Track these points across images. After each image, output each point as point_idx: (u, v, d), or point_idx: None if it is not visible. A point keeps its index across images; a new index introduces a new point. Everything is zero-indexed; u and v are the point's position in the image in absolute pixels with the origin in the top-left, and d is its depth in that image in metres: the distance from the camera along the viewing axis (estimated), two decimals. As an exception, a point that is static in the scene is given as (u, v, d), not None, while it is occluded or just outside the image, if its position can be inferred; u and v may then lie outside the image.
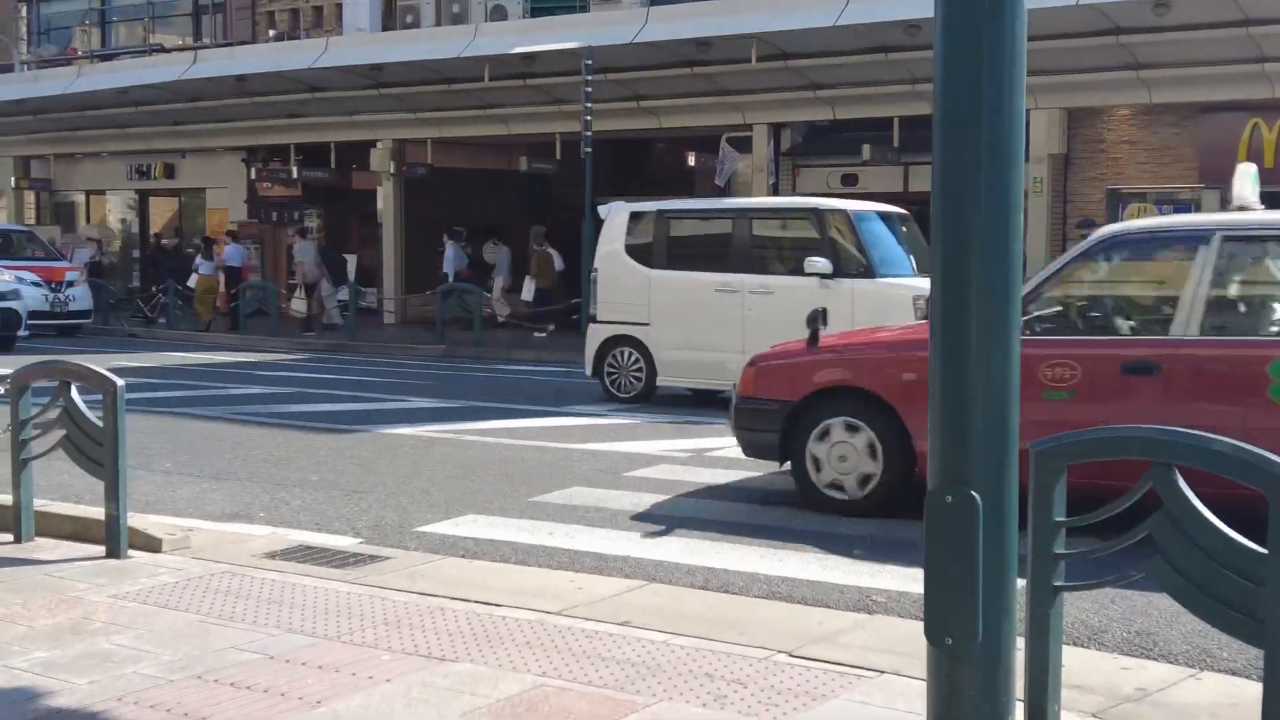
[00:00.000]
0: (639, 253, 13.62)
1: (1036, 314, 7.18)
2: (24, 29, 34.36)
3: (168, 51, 29.22)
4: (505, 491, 8.50)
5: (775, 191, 22.64)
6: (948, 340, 3.50)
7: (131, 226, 33.22)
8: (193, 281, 25.47)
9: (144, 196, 32.63)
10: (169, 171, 31.21)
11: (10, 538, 6.87)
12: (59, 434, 6.80)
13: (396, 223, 26.79)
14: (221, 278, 25.76)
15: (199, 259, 25.91)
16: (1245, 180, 7.57)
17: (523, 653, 4.94)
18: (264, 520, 7.73)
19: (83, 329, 23.63)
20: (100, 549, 6.58)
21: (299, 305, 23.97)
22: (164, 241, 30.37)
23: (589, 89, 20.13)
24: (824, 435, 7.62)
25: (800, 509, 7.83)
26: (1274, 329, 7.04)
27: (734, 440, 9.46)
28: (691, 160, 24.94)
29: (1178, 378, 6.81)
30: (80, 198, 33.81)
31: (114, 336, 23.82)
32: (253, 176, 28.65)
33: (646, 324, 13.43)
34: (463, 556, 6.77)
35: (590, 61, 20.14)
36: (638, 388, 13.48)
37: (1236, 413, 6.54)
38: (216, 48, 28.66)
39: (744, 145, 22.68)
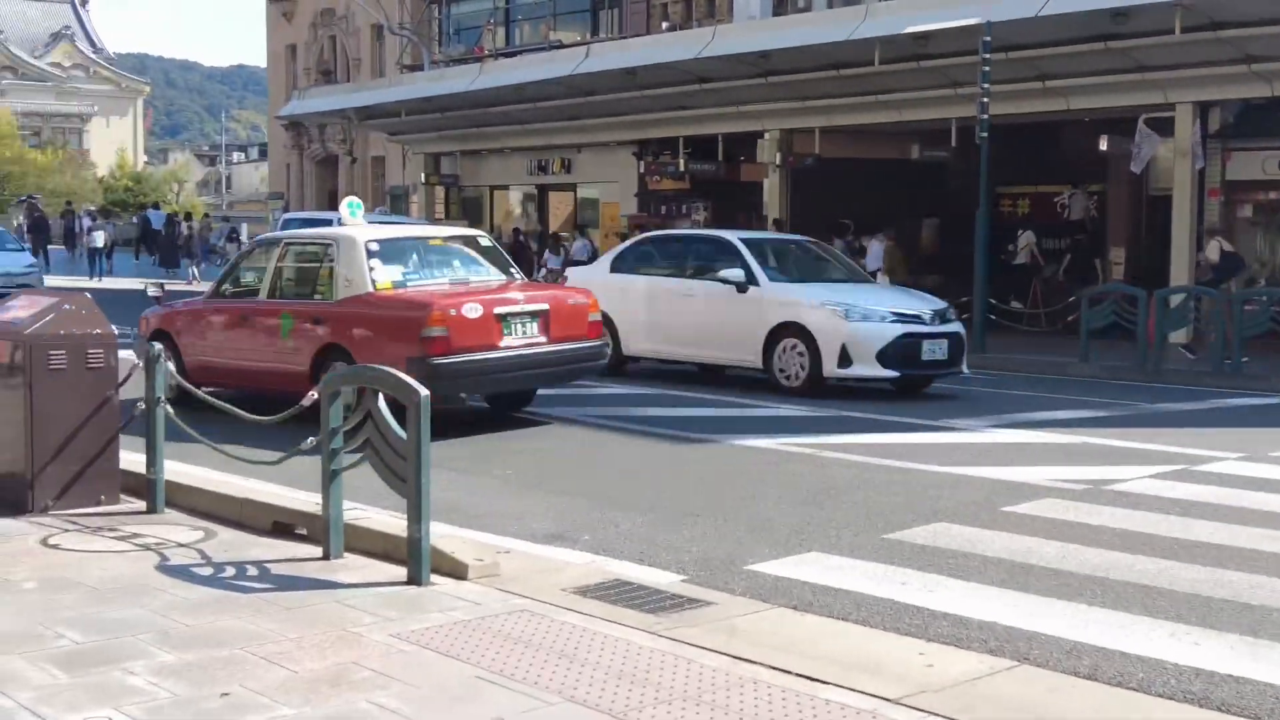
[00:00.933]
0: None
1: (229, 286, 12.31)
2: (436, 30, 36.03)
3: (565, 47, 29.67)
4: (858, 524, 7.40)
5: (1200, 180, 20.20)
6: None
7: (533, 222, 34.10)
8: (540, 275, 26.19)
9: (543, 191, 33.42)
10: (566, 166, 31.78)
11: (320, 553, 6.46)
12: (368, 445, 6.30)
13: (782, 215, 25.99)
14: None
15: (547, 253, 26.70)
16: (345, 208, 12.19)
17: (839, 763, 3.89)
18: (586, 544, 7.01)
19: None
20: (405, 572, 6.03)
21: None
22: (522, 234, 30.71)
23: (986, 68, 18.52)
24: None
25: (1229, 570, 6.32)
26: (289, 296, 11.55)
27: (1143, 471, 9.14)
28: (1104, 145, 22.68)
29: (258, 323, 11.53)
30: (486, 193, 35.06)
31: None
32: (641, 170, 28.64)
33: None
34: (794, 608, 5.75)
35: (989, 39, 18.54)
36: None
37: (270, 345, 11.31)
38: (608, 41, 28.85)
39: (1165, 127, 20.33)
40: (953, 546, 6.85)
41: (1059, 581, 6.18)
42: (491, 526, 7.38)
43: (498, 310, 10.50)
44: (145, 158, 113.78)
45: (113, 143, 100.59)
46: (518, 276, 11.86)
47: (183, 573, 6.14)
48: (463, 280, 11.28)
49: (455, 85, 28.85)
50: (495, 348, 10.40)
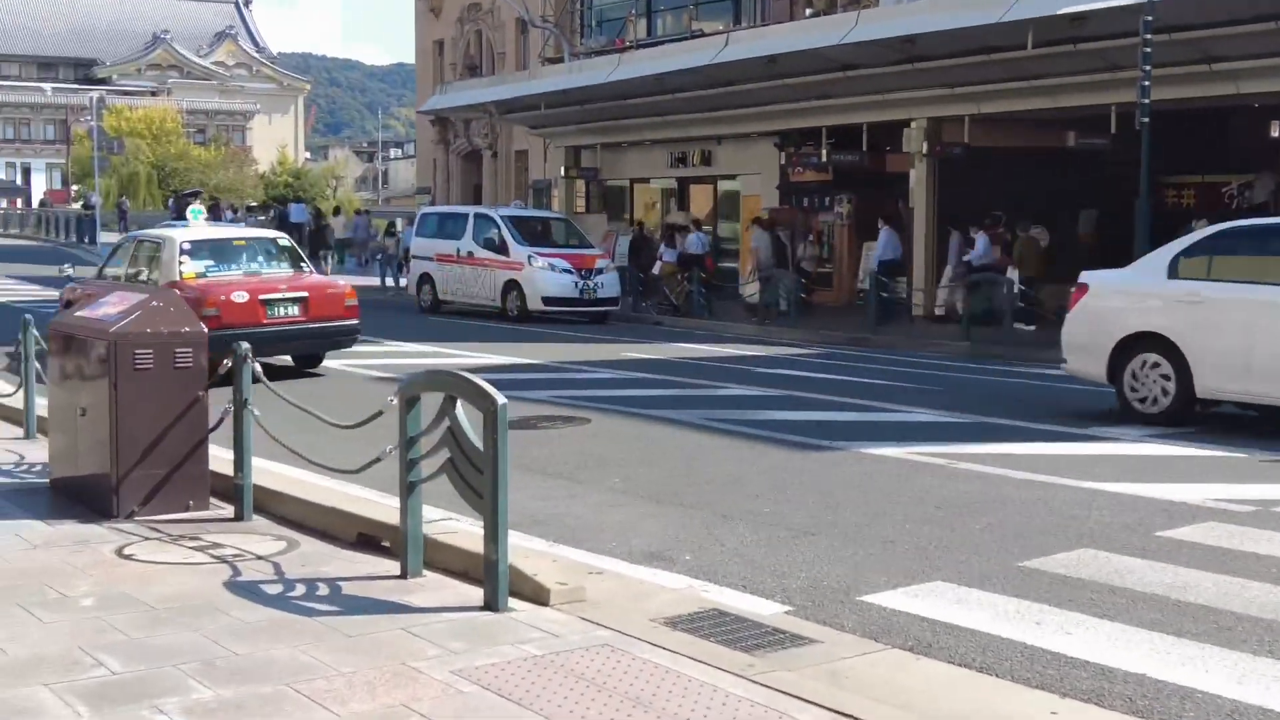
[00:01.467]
0: None
1: (107, 269, 15.47)
2: (578, 22, 35.73)
3: (704, 36, 29.04)
4: (990, 548, 6.67)
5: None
6: None
7: (676, 213, 33.53)
8: (656, 269, 25.86)
9: (683, 184, 32.86)
10: (706, 158, 31.16)
11: (399, 569, 6.01)
12: (445, 456, 5.82)
13: (928, 208, 24.96)
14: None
15: (663, 246, 26.35)
16: (190, 213, 19.50)
17: None
18: (686, 565, 6.43)
19: (610, 316, 23.80)
20: (483, 595, 5.54)
21: (751, 290, 23.82)
22: (646, 229, 29.92)
23: (1148, 50, 17.36)
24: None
25: None
26: (135, 280, 14.01)
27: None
28: (1276, 131, 21.20)
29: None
30: (627, 186, 34.63)
31: (641, 324, 23.82)
32: (782, 161, 27.85)
33: None
34: (910, 649, 5.10)
35: (1151, 19, 17.37)
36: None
37: None
38: (747, 30, 28.13)
39: (1345, 111, 18.87)
40: (1098, 578, 6.09)
41: (1219, 624, 5.40)
42: (588, 542, 6.87)
43: (262, 296, 13.84)
44: (307, 154, 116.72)
45: (274, 139, 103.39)
46: (306, 269, 15.22)
47: (250, 591, 5.74)
48: (255, 273, 14.53)
49: (593, 77, 28.45)
50: (260, 324, 13.57)
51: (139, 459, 7.24)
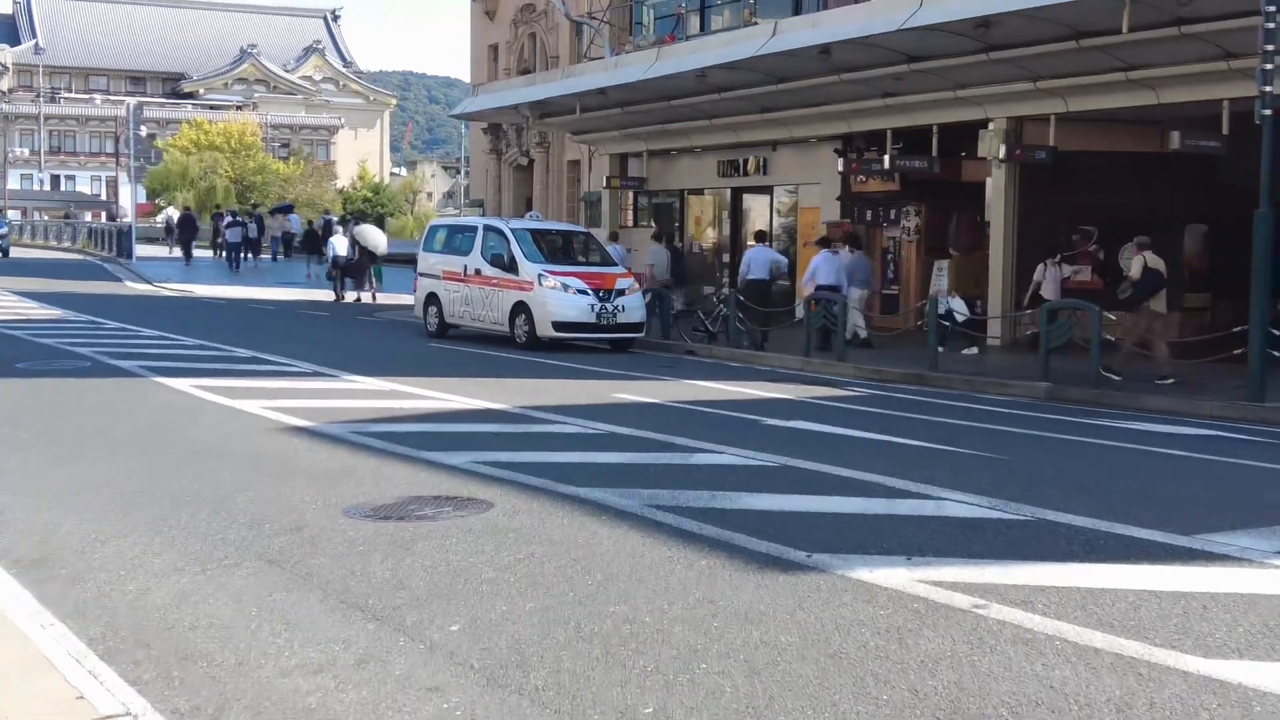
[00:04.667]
0: None
1: None
2: (628, 21, 32.83)
3: (748, 26, 25.94)
4: None
5: None
6: None
7: (724, 228, 30.52)
8: None
9: (736, 195, 29.79)
10: (761, 166, 28.08)
11: None
12: None
13: (1008, 220, 21.65)
14: None
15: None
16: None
17: None
18: None
19: (635, 343, 20.82)
20: None
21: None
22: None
23: (1270, 25, 14.01)
24: None
25: None
26: None
27: None
28: None
29: None
30: (678, 197, 31.66)
31: (670, 352, 20.79)
32: (842, 169, 24.65)
33: None
34: None
35: (1275, -11, 14.04)
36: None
37: None
38: (801, 17, 24.98)
39: None
40: None
41: None
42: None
43: None
44: (395, 169, 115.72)
45: (359, 154, 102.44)
46: None
47: None
48: None
49: (629, 74, 25.49)
50: None
51: None
